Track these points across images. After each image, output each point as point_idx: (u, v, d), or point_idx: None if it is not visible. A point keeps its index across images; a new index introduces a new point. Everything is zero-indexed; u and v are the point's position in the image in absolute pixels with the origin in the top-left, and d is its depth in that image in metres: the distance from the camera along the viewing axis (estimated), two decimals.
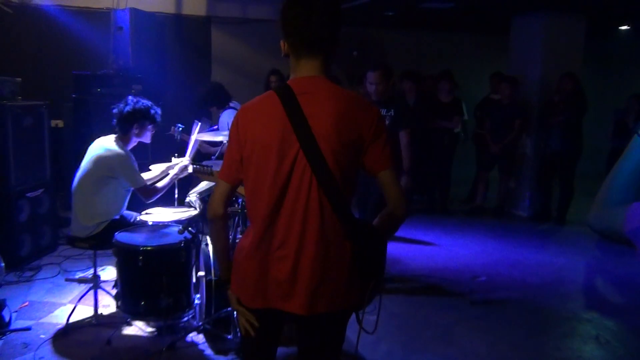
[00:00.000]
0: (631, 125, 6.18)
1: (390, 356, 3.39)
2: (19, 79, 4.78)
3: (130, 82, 5.68)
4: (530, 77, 7.03)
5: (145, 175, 3.73)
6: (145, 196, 3.57)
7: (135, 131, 3.57)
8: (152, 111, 3.61)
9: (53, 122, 5.26)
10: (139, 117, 3.55)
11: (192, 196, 3.68)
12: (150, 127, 3.64)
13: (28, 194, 4.63)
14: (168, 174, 3.73)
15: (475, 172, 7.51)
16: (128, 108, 3.54)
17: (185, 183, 4.02)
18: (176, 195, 4.00)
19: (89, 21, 6.49)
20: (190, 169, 3.70)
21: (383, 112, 4.09)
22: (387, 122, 4.07)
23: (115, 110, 3.57)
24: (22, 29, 6.32)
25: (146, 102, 3.62)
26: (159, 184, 3.63)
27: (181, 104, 6.29)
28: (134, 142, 3.64)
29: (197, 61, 7.42)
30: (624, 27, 8.49)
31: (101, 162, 3.46)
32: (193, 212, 3.64)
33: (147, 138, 3.68)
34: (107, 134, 3.65)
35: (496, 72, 7.43)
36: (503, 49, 7.64)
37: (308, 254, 1.72)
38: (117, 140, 3.55)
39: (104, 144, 3.54)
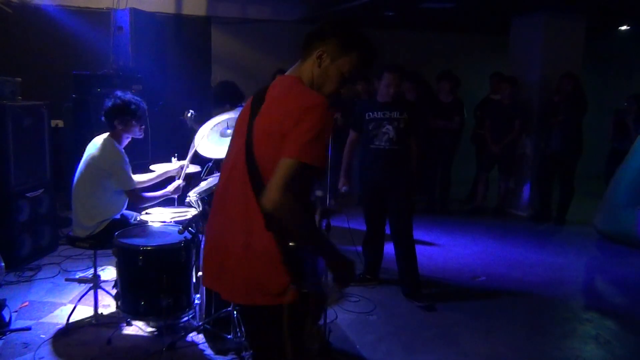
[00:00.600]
0: (631, 126, 6.17)
1: (390, 356, 3.38)
2: (19, 79, 4.78)
3: (130, 82, 5.67)
4: (530, 77, 7.03)
5: (142, 177, 3.70)
6: (134, 200, 3.53)
7: (120, 127, 3.52)
8: (133, 107, 3.51)
9: (53, 122, 5.26)
10: (119, 113, 3.49)
11: (192, 196, 3.67)
12: (134, 122, 3.55)
13: (28, 194, 4.63)
14: (162, 183, 3.70)
15: (475, 172, 7.51)
16: (109, 103, 3.50)
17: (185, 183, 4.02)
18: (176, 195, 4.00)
19: (89, 21, 6.50)
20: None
21: (396, 114, 4.08)
22: (401, 125, 4.05)
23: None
24: (22, 29, 6.32)
25: (127, 97, 3.54)
26: (149, 194, 3.58)
27: (181, 104, 6.28)
28: (125, 139, 3.58)
29: (197, 61, 7.42)
30: (624, 27, 8.49)
31: (94, 161, 3.45)
32: (193, 212, 3.63)
33: (136, 133, 3.60)
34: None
35: (496, 72, 7.43)
36: (503, 49, 7.64)
37: (233, 242, 1.78)
38: (109, 138, 3.52)
39: (97, 143, 3.52)
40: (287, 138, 1.66)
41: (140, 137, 3.72)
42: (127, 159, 3.52)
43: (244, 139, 1.79)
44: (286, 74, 1.89)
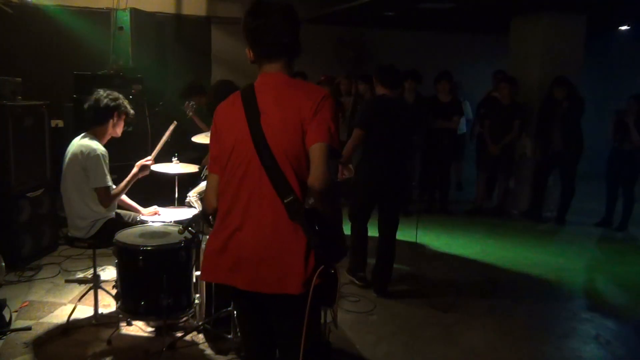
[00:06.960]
0: (632, 126, 6.17)
1: (390, 356, 3.39)
2: (19, 79, 4.78)
3: (130, 82, 5.67)
4: (530, 77, 7.02)
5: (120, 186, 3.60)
6: (105, 199, 3.43)
7: (112, 122, 3.53)
8: (122, 102, 3.58)
9: (53, 122, 5.26)
10: (115, 109, 3.52)
11: (192, 196, 3.68)
12: (124, 118, 3.62)
13: (28, 194, 4.63)
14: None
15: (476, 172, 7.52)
16: (105, 101, 3.49)
17: (185, 183, 4.02)
18: (176, 195, 4.01)
19: (89, 21, 6.49)
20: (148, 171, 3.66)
21: None
22: None
23: (89, 104, 3.51)
24: (22, 29, 6.32)
25: (117, 94, 3.58)
26: (119, 188, 3.52)
27: (181, 103, 6.28)
28: (108, 137, 3.59)
29: (197, 61, 7.41)
30: (624, 27, 8.49)
31: (76, 161, 3.41)
32: (193, 212, 3.63)
33: (118, 132, 3.64)
34: None
35: (499, 69, 7.43)
36: (503, 49, 7.64)
37: (257, 234, 1.83)
38: (91, 136, 3.50)
39: (78, 142, 3.48)
40: (312, 125, 1.79)
41: (119, 136, 3.69)
42: (107, 159, 3.46)
43: (249, 137, 1.83)
44: (270, 72, 1.93)
